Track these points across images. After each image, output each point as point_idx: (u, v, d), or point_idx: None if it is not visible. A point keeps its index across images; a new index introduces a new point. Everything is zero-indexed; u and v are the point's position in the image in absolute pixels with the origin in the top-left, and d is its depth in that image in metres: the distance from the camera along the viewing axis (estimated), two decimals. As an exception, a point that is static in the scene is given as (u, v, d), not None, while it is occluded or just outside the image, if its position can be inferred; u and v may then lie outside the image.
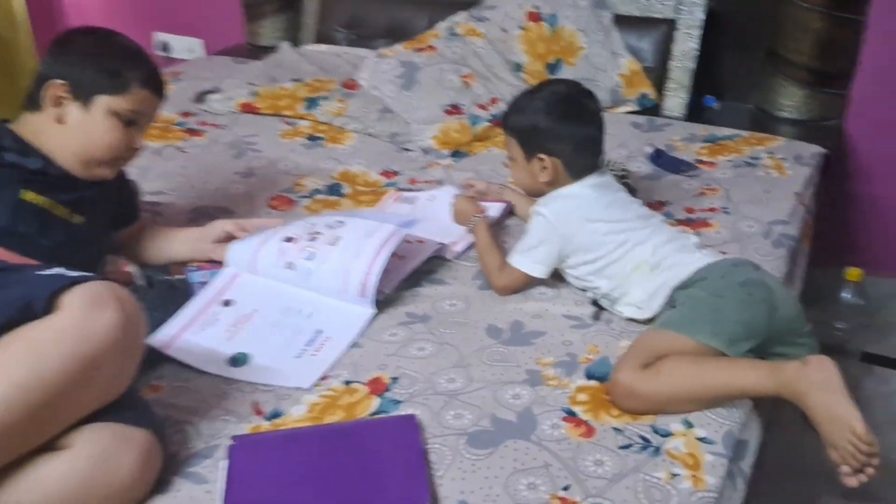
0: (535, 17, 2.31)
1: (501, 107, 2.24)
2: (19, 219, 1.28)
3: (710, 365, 1.21)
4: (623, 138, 2.12)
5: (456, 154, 2.15)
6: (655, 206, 1.76)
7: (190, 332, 1.39)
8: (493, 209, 1.78)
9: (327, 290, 1.47)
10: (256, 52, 2.98)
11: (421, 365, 1.32)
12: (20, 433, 0.95)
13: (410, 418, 1.18)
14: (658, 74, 2.26)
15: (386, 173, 2.08)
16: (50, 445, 0.99)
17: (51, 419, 0.97)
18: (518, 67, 2.32)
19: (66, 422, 0.99)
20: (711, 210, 1.77)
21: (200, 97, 2.43)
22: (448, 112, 2.21)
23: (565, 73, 2.28)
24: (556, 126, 1.48)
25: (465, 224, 1.68)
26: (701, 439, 1.14)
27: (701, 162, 1.99)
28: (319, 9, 2.79)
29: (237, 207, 1.86)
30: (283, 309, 1.46)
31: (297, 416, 1.21)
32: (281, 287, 1.50)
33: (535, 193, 1.58)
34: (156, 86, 1.42)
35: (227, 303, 1.47)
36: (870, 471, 1.10)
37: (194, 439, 1.16)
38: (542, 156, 1.49)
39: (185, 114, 2.37)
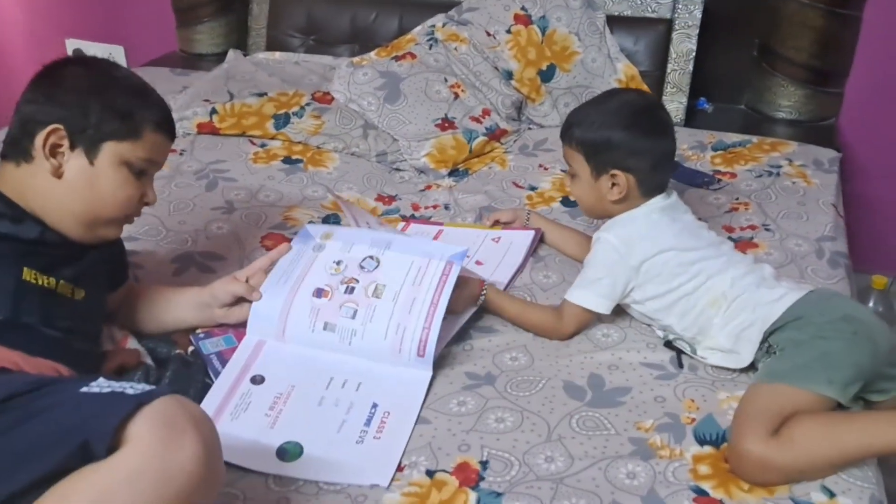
0: (523, 19, 2.14)
1: (495, 119, 2.07)
2: (22, 307, 1.03)
3: (844, 426, 1.09)
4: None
5: (455, 173, 1.97)
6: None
7: (222, 422, 1.16)
8: (522, 238, 1.61)
9: (376, 353, 1.27)
10: (193, 61, 2.69)
11: (508, 442, 1.14)
12: None
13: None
14: (655, 78, 2.14)
15: (382, 198, 1.87)
16: None
17: None
18: (509, 75, 2.14)
19: None
20: (751, 227, 1.66)
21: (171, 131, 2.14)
22: (440, 126, 2.02)
23: (560, 80, 2.12)
24: (634, 140, 1.33)
25: (473, 304, 1.39)
26: (849, 509, 1.03)
27: (719, 173, 1.89)
28: (269, 11, 2.51)
29: (227, 252, 1.61)
30: (325, 381, 1.24)
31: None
32: (316, 354, 1.28)
33: (597, 213, 1.42)
34: (169, 128, 1.18)
35: (256, 380, 1.24)
36: None
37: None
38: (616, 172, 1.33)
39: (134, 138, 2.07)
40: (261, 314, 1.31)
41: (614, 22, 2.16)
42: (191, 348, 1.31)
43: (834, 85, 2.17)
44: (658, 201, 1.36)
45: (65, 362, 1.00)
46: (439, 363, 1.28)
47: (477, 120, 2.05)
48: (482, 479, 1.07)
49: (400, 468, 1.10)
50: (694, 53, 2.12)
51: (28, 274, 1.04)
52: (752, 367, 1.26)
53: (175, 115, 2.05)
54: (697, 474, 1.08)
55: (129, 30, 2.96)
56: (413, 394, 1.23)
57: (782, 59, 2.14)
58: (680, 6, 2.12)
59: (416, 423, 1.17)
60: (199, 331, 1.34)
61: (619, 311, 1.38)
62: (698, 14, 2.11)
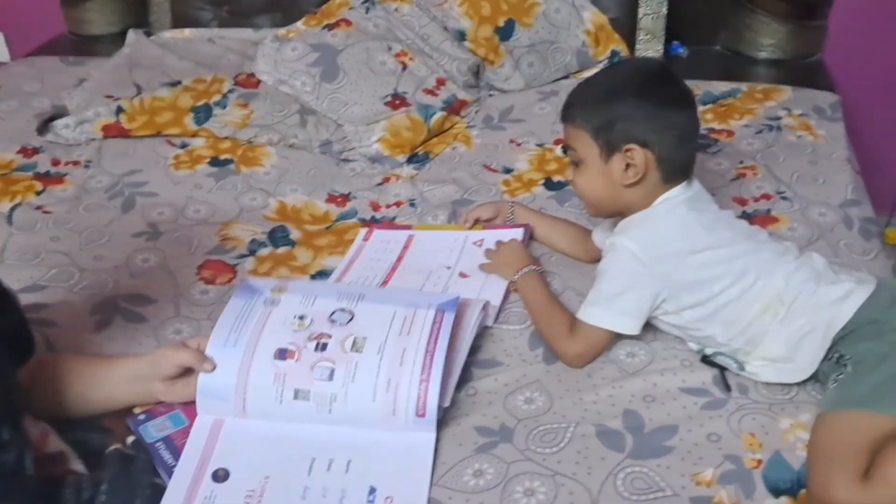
0: (470, -31, 1.86)
1: (452, 88, 1.80)
2: None
3: None
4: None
5: (414, 159, 1.70)
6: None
7: (184, 542, 0.91)
8: (512, 237, 1.37)
9: (364, 419, 1.02)
10: (86, 45, 2.31)
11: (545, 523, 0.92)
12: None
13: None
14: (627, 26, 1.89)
15: (334, 199, 1.59)
16: None
17: None
18: (461, 36, 1.86)
19: None
20: (765, 197, 1.46)
21: (43, 125, 1.80)
22: (390, 105, 1.74)
23: (521, 36, 1.85)
24: (652, 108, 1.10)
25: (507, 276, 1.26)
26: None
27: (713, 131, 1.67)
28: (171, -19, 2.16)
29: (157, 292, 1.32)
30: (305, 465, 0.99)
31: None
32: (289, 429, 1.03)
33: (607, 209, 1.19)
34: None
35: (219, 476, 0.98)
36: None
37: None
38: (632, 146, 1.10)
39: (26, 151, 1.73)
40: (211, 388, 1.04)
41: (574, -37, 1.90)
42: (130, 438, 1.04)
43: (818, 17, 1.96)
44: (680, 191, 1.13)
45: None
46: (441, 418, 1.05)
47: (431, 92, 1.77)
48: (524, 582, 0.86)
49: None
50: (669, -6, 1.88)
51: None
52: (811, 378, 1.07)
53: (73, 119, 1.78)
54: (782, 539, 0.89)
55: (7, 13, 2.55)
56: (417, 466, 0.99)
57: (764, -6, 1.92)
58: (649, -59, 1.87)
59: (427, 508, 0.94)
60: (136, 411, 1.07)
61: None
62: (670, -52, 1.87)
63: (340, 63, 1.78)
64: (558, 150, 1.66)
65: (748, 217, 1.40)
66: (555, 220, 1.41)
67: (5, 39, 2.59)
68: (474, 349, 1.15)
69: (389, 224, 1.49)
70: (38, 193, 1.59)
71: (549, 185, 1.56)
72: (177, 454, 1.02)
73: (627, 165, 1.12)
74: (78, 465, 0.97)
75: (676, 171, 1.13)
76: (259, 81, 1.83)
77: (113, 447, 1.01)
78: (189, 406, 1.06)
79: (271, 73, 1.82)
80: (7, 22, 2.56)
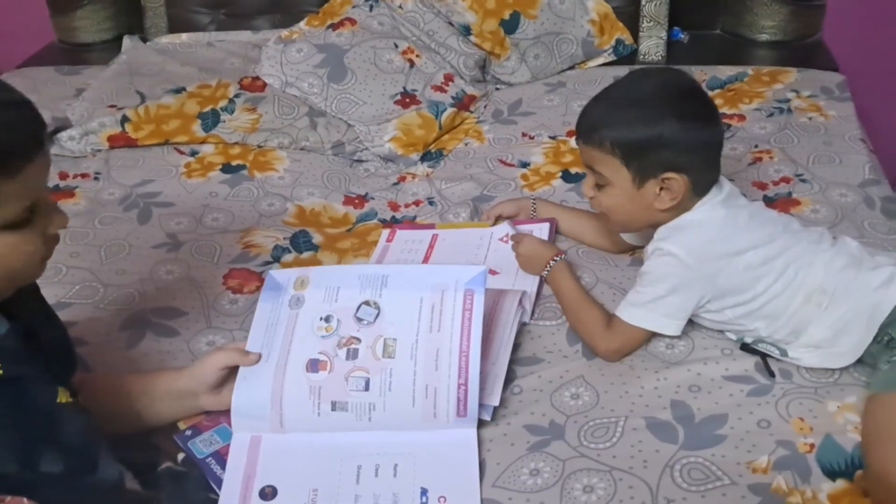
0: (473, -38, 1.85)
1: (460, 84, 1.80)
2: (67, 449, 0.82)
3: None
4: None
5: (428, 157, 1.70)
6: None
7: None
8: (538, 233, 1.37)
9: (405, 422, 1.02)
10: (79, 53, 2.26)
11: (608, 519, 0.93)
12: None
13: None
14: (630, 14, 1.90)
15: (351, 200, 1.59)
16: None
17: None
18: (466, 30, 1.86)
19: None
20: (784, 181, 1.47)
21: (49, 139, 1.76)
22: (400, 103, 1.73)
23: (527, 28, 1.85)
24: (688, 132, 1.07)
25: (537, 272, 1.27)
26: None
27: (725, 116, 1.68)
28: (165, -15, 2.12)
29: (186, 303, 1.31)
30: (352, 473, 0.99)
31: None
32: (330, 439, 1.02)
33: (636, 227, 1.18)
34: (38, 145, 0.82)
35: (266, 493, 0.97)
36: None
37: None
38: (671, 175, 1.08)
39: (33, 165, 1.70)
40: (246, 407, 1.02)
41: (575, -48, 1.89)
42: (180, 455, 1.03)
43: (815, -1, 1.98)
44: (714, 195, 1.12)
45: None
46: (491, 418, 1.05)
47: (440, 89, 1.77)
48: (595, 580, 0.87)
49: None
50: (670, -20, 1.89)
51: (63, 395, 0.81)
52: (857, 362, 1.08)
53: (77, 131, 1.75)
54: (843, 522, 0.90)
55: (-6, 22, 2.50)
56: (465, 463, 0.99)
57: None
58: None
59: (484, 506, 0.94)
60: (182, 427, 1.06)
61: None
62: (672, -67, 1.87)
63: (347, 63, 1.76)
64: (572, 141, 1.66)
65: (770, 201, 1.41)
66: (579, 213, 1.41)
67: (-8, 51, 2.54)
68: (514, 347, 1.15)
69: (411, 224, 1.49)
70: (51, 209, 1.57)
71: (567, 177, 1.56)
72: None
73: (662, 189, 1.10)
74: (133, 485, 0.96)
75: (709, 184, 1.12)
76: (265, 85, 1.81)
77: (164, 465, 1.00)
78: (235, 416, 1.05)
79: (277, 76, 1.80)
80: (-6, 32, 2.51)
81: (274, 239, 1.46)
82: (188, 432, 1.05)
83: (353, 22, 1.82)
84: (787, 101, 1.71)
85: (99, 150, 1.73)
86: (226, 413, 1.05)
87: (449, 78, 1.79)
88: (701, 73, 1.84)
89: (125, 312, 1.29)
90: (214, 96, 1.78)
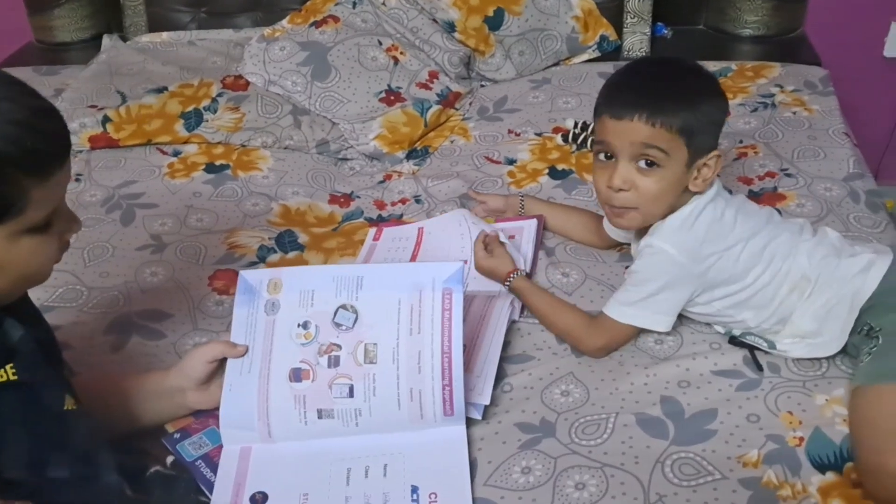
0: (457, -42, 1.84)
1: (445, 81, 1.79)
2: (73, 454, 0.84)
3: None
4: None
5: (413, 154, 1.69)
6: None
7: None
8: (525, 230, 1.37)
9: (393, 425, 1.01)
10: (57, 53, 2.23)
11: (601, 516, 0.92)
12: None
13: None
14: (614, 10, 1.90)
15: (337, 199, 1.58)
16: None
17: None
18: (450, 27, 1.85)
19: None
20: (770, 175, 1.47)
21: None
22: (385, 101, 1.72)
23: (511, 25, 1.84)
24: (725, 106, 1.11)
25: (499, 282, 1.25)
26: None
27: (709, 111, 1.68)
28: (145, -16, 2.09)
29: (171, 306, 1.29)
30: (342, 475, 0.98)
31: None
32: (319, 444, 1.01)
33: (657, 215, 1.12)
34: (63, 152, 0.83)
35: (257, 499, 0.96)
36: None
37: None
38: (716, 153, 1.09)
39: (12, 167, 1.68)
40: (234, 420, 1.01)
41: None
42: (169, 458, 1.02)
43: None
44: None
45: None
46: (482, 416, 1.05)
47: (425, 86, 1.76)
48: (589, 577, 0.86)
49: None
50: (653, -25, 1.89)
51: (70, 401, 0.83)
52: (840, 352, 1.08)
53: None
54: (834, 515, 0.91)
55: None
56: (455, 460, 0.99)
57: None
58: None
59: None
60: (170, 429, 1.05)
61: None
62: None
63: (331, 61, 1.75)
64: (558, 138, 1.66)
65: (756, 196, 1.42)
66: (566, 209, 1.41)
67: (-32, 51, 2.50)
68: (504, 345, 1.15)
69: (398, 222, 1.48)
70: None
71: (554, 173, 1.56)
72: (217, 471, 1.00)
73: (698, 171, 1.09)
74: (126, 491, 0.95)
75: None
76: (248, 83, 1.80)
77: (154, 469, 0.99)
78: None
79: (260, 74, 1.79)
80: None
81: (259, 239, 1.45)
82: (176, 435, 1.04)
83: (336, 19, 1.81)
84: (772, 95, 1.72)
85: (80, 151, 1.71)
86: (214, 415, 1.04)
87: (434, 75, 1.78)
88: (685, 69, 1.84)
89: (110, 315, 1.28)
90: (197, 95, 1.77)
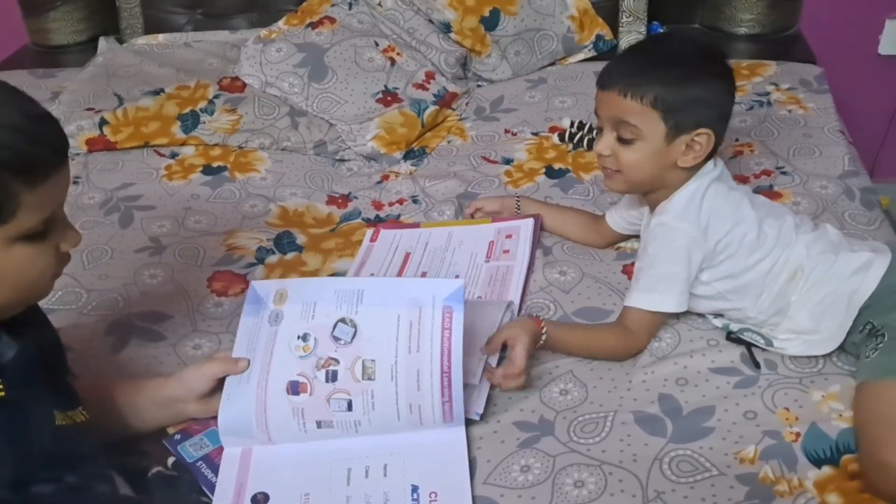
0: (452, -41, 1.84)
1: (441, 81, 1.80)
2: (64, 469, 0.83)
3: None
4: (594, 94, 1.75)
5: (410, 155, 1.69)
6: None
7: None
8: (522, 230, 1.38)
9: (392, 429, 1.02)
10: (53, 56, 2.22)
11: (601, 514, 0.93)
12: None
13: None
14: (609, 9, 1.90)
15: (334, 200, 1.58)
16: None
17: None
18: (447, 28, 1.85)
19: None
20: (766, 173, 1.48)
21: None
22: (382, 101, 1.73)
23: (507, 25, 1.85)
24: (725, 90, 1.12)
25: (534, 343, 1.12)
26: None
27: (705, 110, 1.69)
28: (140, -14, 2.09)
29: (171, 307, 1.30)
30: (342, 476, 0.98)
31: None
32: (319, 446, 1.02)
33: (642, 185, 1.16)
34: (61, 155, 0.83)
35: (259, 500, 0.97)
36: None
37: None
38: (704, 130, 1.09)
39: (10, 170, 1.68)
40: (234, 427, 1.02)
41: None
42: (171, 459, 1.02)
43: (794, -10, 1.99)
44: (711, 168, 1.14)
45: None
46: (481, 416, 1.05)
47: (422, 87, 1.76)
48: (589, 574, 0.87)
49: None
50: (649, -26, 1.89)
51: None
52: (837, 349, 1.09)
53: None
54: (830, 509, 0.92)
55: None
56: (454, 459, 1.00)
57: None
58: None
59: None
60: (171, 431, 1.05)
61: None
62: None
63: (328, 62, 1.75)
64: (555, 137, 1.66)
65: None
66: (563, 209, 1.42)
67: (-36, 54, 2.50)
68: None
69: (395, 223, 1.49)
70: (30, 214, 1.54)
71: (551, 173, 1.57)
72: (218, 472, 1.01)
73: (687, 147, 1.11)
74: (124, 489, 0.95)
75: (715, 152, 1.14)
76: (245, 85, 1.80)
77: (155, 469, 1.00)
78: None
79: (257, 76, 1.79)
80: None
81: (257, 240, 1.45)
82: (177, 436, 1.04)
83: (332, 20, 1.81)
84: (767, 94, 1.72)
85: (77, 154, 1.71)
86: (215, 416, 1.05)
87: (430, 76, 1.79)
88: (680, 67, 1.84)
89: (109, 317, 1.28)
90: (193, 97, 1.77)
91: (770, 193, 1.42)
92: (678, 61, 1.11)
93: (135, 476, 0.98)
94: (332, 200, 1.58)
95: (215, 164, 1.67)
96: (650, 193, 1.17)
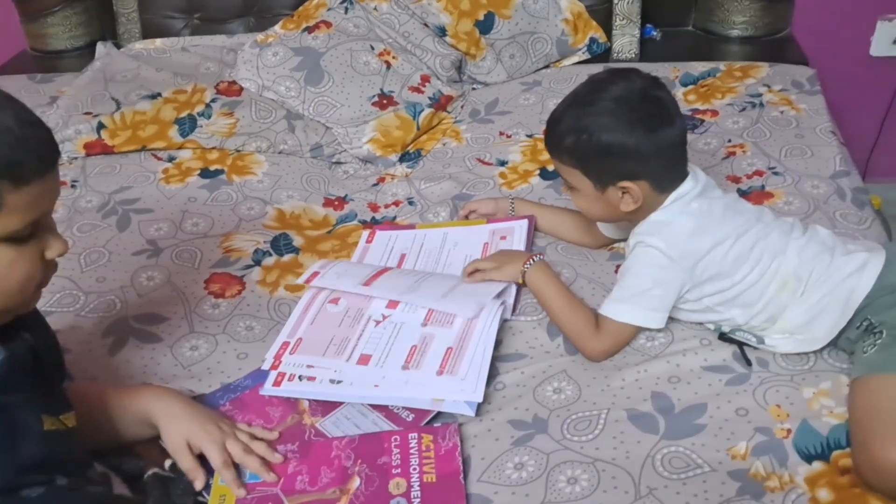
0: (447, -37, 1.86)
1: (437, 84, 1.81)
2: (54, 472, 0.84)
3: None
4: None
5: (406, 157, 1.71)
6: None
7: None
8: (517, 230, 1.39)
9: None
10: (51, 61, 2.24)
11: (593, 509, 0.94)
12: None
13: None
14: (603, 13, 1.92)
15: (331, 202, 1.59)
16: None
17: None
18: (442, 31, 1.87)
19: None
20: (758, 174, 1.49)
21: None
22: (377, 104, 1.74)
23: (501, 29, 1.86)
24: (639, 143, 1.09)
25: (513, 276, 1.24)
26: None
27: (698, 111, 1.70)
28: (137, -10, 2.11)
29: (167, 309, 1.31)
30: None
31: None
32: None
33: (610, 220, 1.22)
34: (50, 161, 0.83)
35: None
36: None
37: None
38: (626, 184, 1.11)
39: (8, 174, 1.69)
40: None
41: (546, -49, 1.90)
42: (168, 461, 1.03)
43: (785, -9, 2.01)
44: (690, 187, 1.14)
45: None
46: (475, 414, 1.07)
47: (417, 90, 1.78)
48: (582, 569, 0.88)
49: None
50: (641, -23, 1.91)
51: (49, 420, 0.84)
52: (829, 346, 1.10)
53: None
54: (820, 503, 0.92)
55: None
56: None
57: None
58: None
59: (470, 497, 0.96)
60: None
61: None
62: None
63: (324, 66, 1.77)
64: (549, 139, 1.68)
65: (744, 194, 1.44)
66: (557, 210, 1.43)
67: (-38, 59, 2.51)
68: (496, 343, 1.16)
69: (391, 224, 1.50)
70: (28, 217, 1.55)
71: (545, 174, 1.58)
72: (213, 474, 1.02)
73: (624, 194, 1.13)
74: (122, 489, 0.96)
75: (675, 181, 1.14)
76: (241, 89, 1.81)
77: (151, 471, 1.00)
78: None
79: (254, 80, 1.80)
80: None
81: (254, 242, 1.46)
82: (172, 438, 1.05)
83: (328, 24, 1.83)
84: (759, 95, 1.74)
85: (75, 158, 1.72)
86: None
87: (426, 79, 1.80)
88: (674, 70, 1.86)
89: (107, 320, 1.29)
90: (191, 101, 1.78)
91: (762, 194, 1.44)
92: (587, 115, 1.11)
93: (131, 477, 0.99)
94: (328, 203, 1.59)
95: (212, 168, 1.68)
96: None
